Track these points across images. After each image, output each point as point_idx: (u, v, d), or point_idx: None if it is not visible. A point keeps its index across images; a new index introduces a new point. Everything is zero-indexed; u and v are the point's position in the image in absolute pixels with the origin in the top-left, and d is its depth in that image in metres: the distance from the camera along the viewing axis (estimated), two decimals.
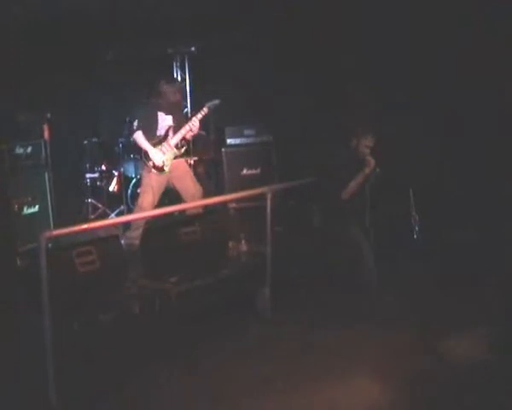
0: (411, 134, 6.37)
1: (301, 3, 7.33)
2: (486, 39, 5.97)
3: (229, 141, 8.38)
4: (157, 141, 6.39)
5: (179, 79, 8.58)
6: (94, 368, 4.17)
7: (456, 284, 5.46)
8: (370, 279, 5.22)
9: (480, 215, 5.93)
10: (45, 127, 6.51)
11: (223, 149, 8.35)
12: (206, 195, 7.23)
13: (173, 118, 6.50)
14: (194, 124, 6.44)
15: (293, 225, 6.78)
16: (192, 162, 8.53)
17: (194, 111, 6.68)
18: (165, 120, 6.46)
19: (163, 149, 6.37)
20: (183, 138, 6.53)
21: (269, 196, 5.32)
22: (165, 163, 6.38)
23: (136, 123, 6.38)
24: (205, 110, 6.47)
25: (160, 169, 6.38)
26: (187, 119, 6.63)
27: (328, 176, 5.50)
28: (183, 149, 6.59)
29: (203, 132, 8.51)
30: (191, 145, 8.75)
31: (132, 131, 6.40)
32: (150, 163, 6.33)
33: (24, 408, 3.90)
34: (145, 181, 6.42)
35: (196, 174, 8.48)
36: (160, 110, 6.44)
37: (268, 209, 5.32)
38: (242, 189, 6.50)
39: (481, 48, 6.02)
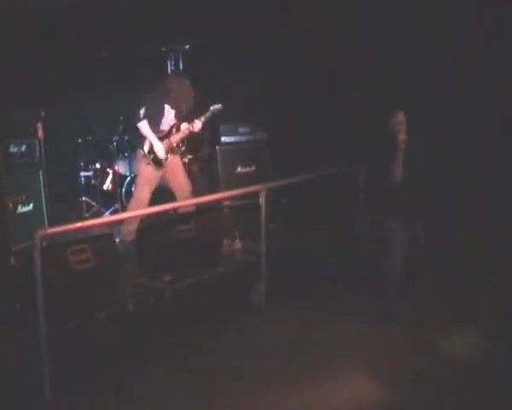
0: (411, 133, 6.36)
1: (299, 1, 7.34)
2: (486, 38, 5.98)
3: (223, 139, 8.38)
4: (161, 136, 6.39)
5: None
6: (89, 365, 4.17)
7: (456, 284, 5.48)
8: (392, 275, 5.12)
9: (480, 215, 5.92)
10: (39, 126, 6.47)
11: (217, 147, 8.34)
12: (200, 192, 7.23)
13: (177, 114, 6.48)
14: (196, 125, 6.47)
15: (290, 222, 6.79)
16: (187, 160, 8.52)
17: (199, 113, 6.67)
18: (170, 114, 6.45)
19: (165, 145, 6.38)
20: (184, 137, 6.56)
21: (263, 194, 5.33)
22: (166, 159, 6.39)
23: (142, 111, 6.32)
24: (208, 114, 6.50)
25: (159, 164, 6.38)
26: (190, 118, 6.62)
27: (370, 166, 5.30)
28: (182, 148, 6.65)
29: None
30: (185, 142, 8.78)
31: (138, 119, 6.33)
32: (151, 156, 6.33)
33: (19, 403, 3.90)
34: (143, 173, 6.40)
35: (191, 172, 8.49)
36: (168, 103, 6.41)
37: (262, 207, 5.34)
38: (237, 187, 6.52)
39: (481, 47, 6.02)
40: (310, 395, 3.96)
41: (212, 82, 7.92)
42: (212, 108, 6.51)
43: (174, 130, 6.47)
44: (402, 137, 5.06)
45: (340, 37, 7.15)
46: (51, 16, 6.88)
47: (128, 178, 7.65)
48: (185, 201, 6.30)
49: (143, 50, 7.93)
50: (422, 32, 6.44)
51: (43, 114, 6.53)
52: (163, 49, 8.49)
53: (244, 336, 4.89)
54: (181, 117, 6.50)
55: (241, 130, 8.42)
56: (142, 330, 4.71)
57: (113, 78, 7.80)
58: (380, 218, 5.22)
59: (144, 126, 6.32)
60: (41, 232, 4.03)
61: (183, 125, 6.50)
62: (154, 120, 6.36)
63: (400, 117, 5.14)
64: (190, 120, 6.52)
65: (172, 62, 8.74)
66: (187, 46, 8.48)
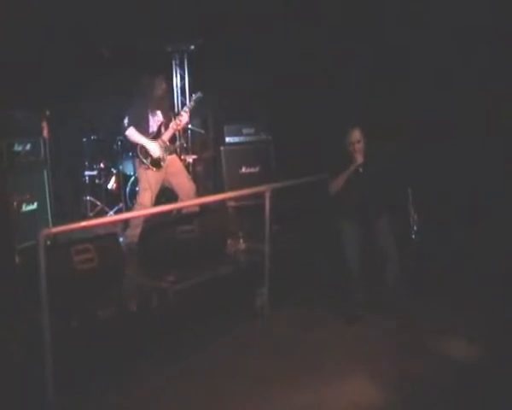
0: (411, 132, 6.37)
1: (300, 3, 7.34)
2: (486, 38, 5.98)
3: (227, 139, 8.38)
4: (151, 137, 6.39)
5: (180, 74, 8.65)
6: (91, 364, 4.17)
7: (455, 284, 5.47)
8: (351, 281, 5.14)
9: (479, 215, 5.93)
10: (44, 125, 6.49)
11: (221, 148, 8.34)
12: (204, 193, 7.23)
13: (162, 113, 6.50)
14: (183, 118, 6.48)
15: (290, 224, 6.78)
16: (191, 160, 8.54)
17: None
18: (155, 115, 6.45)
19: (158, 144, 6.38)
20: (174, 132, 6.57)
21: (267, 195, 5.32)
22: (163, 158, 6.39)
23: (126, 120, 6.35)
24: (191, 103, 6.57)
25: (158, 165, 6.37)
26: (174, 113, 6.65)
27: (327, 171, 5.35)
28: (177, 143, 6.66)
29: (202, 131, 8.53)
30: (190, 143, 8.79)
31: (124, 129, 6.36)
32: (148, 160, 6.33)
33: (21, 402, 3.91)
34: (143, 178, 6.41)
35: (195, 172, 8.50)
36: (150, 106, 6.42)
37: (266, 208, 5.33)
38: (241, 187, 6.51)
39: (481, 47, 6.02)
40: (311, 396, 3.95)
41: (216, 82, 7.92)
42: (194, 96, 6.56)
43: (163, 129, 6.48)
44: (359, 159, 5.06)
45: (340, 36, 7.15)
46: (56, 14, 6.89)
47: (132, 178, 7.65)
48: (190, 201, 6.30)
49: (148, 49, 7.93)
50: (422, 32, 6.44)
51: (48, 113, 6.54)
52: (168, 48, 8.50)
53: (246, 337, 4.88)
54: (167, 115, 6.52)
55: (245, 130, 8.43)
56: (144, 330, 4.71)
57: (118, 77, 7.80)
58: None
59: (132, 132, 6.32)
60: (45, 231, 4.03)
61: (171, 122, 6.50)
62: (141, 125, 6.36)
63: (357, 135, 5.11)
64: (176, 115, 6.57)
65: (177, 62, 8.76)
66: (192, 46, 8.48)
